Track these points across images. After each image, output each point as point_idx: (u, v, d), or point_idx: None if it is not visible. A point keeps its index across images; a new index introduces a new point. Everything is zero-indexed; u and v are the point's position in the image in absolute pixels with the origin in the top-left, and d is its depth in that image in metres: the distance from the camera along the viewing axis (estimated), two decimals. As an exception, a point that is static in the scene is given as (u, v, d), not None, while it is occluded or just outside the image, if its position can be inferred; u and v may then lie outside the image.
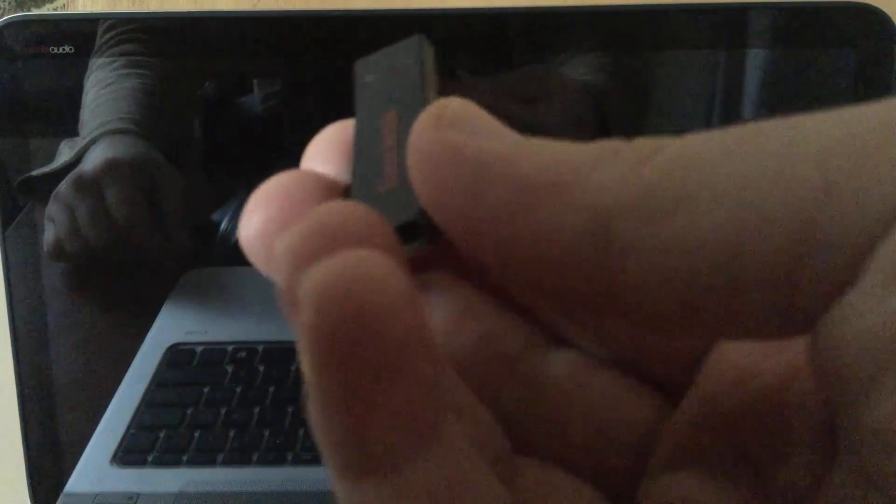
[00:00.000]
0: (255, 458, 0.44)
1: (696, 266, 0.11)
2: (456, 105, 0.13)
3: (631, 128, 0.45)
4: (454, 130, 0.12)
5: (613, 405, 0.14)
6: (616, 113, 0.44)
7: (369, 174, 0.14)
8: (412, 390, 0.10)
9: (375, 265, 0.10)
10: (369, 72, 0.16)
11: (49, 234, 0.43)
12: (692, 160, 0.11)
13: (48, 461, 0.45)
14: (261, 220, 0.13)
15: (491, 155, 0.12)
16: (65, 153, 0.43)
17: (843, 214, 0.10)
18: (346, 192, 0.14)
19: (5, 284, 0.43)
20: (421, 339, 0.10)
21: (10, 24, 0.40)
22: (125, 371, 0.46)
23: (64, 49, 0.41)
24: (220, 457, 0.44)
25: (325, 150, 0.15)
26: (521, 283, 0.13)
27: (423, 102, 0.14)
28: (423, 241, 0.13)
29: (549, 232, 0.11)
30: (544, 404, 0.14)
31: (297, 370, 0.45)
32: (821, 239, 0.10)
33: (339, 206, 0.12)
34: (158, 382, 0.46)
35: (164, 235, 0.45)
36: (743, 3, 0.41)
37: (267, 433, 0.44)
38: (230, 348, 0.46)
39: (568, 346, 0.14)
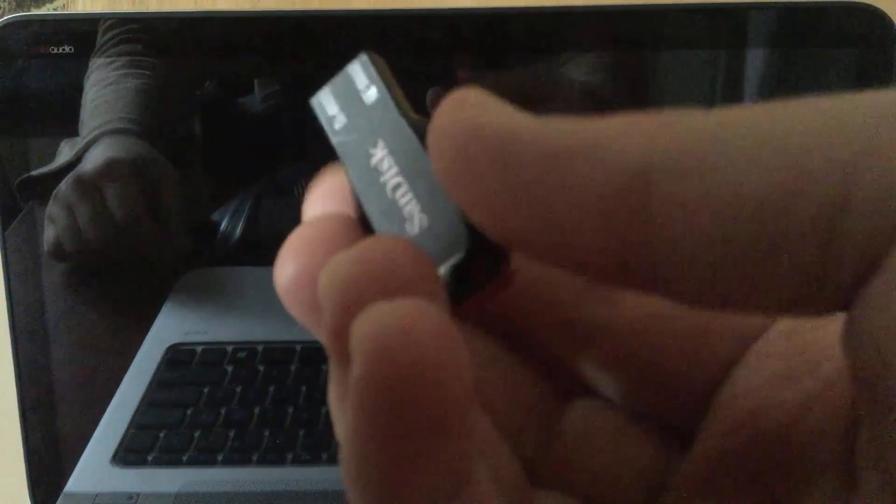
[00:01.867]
0: (255, 458, 0.44)
1: (734, 222, 0.10)
2: (475, 92, 0.13)
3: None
4: (477, 111, 0.12)
5: (623, 446, 0.14)
6: (616, 113, 0.44)
7: (390, 217, 0.13)
8: (456, 443, 0.10)
9: (430, 318, 0.10)
10: (330, 105, 0.15)
11: (49, 234, 0.43)
12: (728, 121, 0.11)
13: (48, 461, 0.45)
14: (298, 267, 0.13)
15: (517, 127, 0.12)
16: (65, 153, 0.43)
17: (883, 179, 0.10)
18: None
19: (5, 284, 0.43)
20: (469, 394, 0.10)
21: (10, 24, 0.40)
22: (125, 371, 0.46)
23: (64, 49, 0.41)
24: (220, 457, 0.44)
25: (328, 197, 0.14)
26: (554, 260, 0.12)
27: (405, 125, 0.14)
28: (486, 273, 0.13)
29: (585, 194, 0.11)
30: (560, 446, 0.14)
31: (298, 370, 0.45)
32: (859, 202, 0.10)
33: (383, 242, 0.12)
34: (158, 382, 0.46)
35: (164, 235, 0.45)
36: (743, 3, 0.41)
37: (267, 433, 0.44)
38: (230, 348, 0.46)
39: (581, 397, 0.15)
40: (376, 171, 0.14)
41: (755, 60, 0.42)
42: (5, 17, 0.41)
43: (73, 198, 0.43)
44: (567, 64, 0.43)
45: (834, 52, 0.41)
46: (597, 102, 0.43)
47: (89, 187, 0.43)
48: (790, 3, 0.41)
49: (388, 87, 0.14)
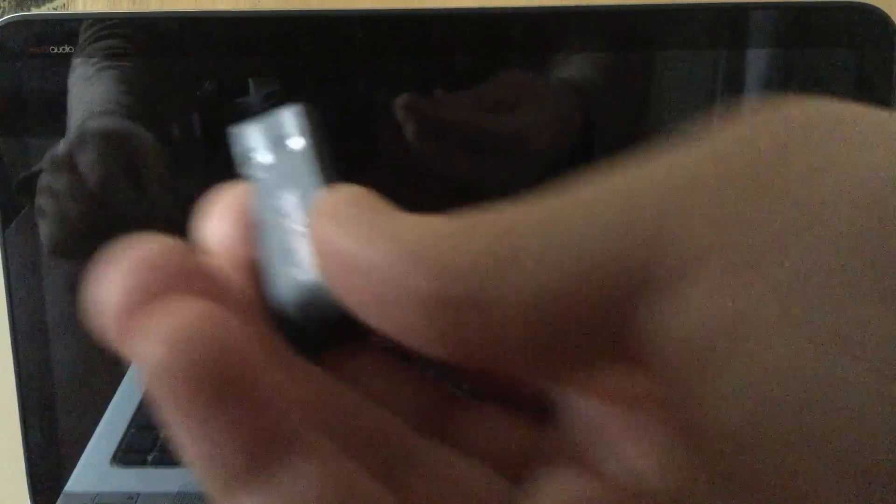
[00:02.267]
0: (254, 458, 0.44)
1: (533, 318, 0.12)
2: (342, 198, 0.14)
3: (618, 128, 0.45)
4: (331, 225, 0.14)
5: (495, 429, 0.16)
6: (603, 113, 0.44)
7: (283, 258, 0.14)
8: (257, 408, 0.12)
9: (205, 314, 0.12)
10: (254, 140, 0.16)
11: (42, 228, 0.43)
12: (511, 228, 0.12)
13: (48, 461, 0.45)
14: (123, 294, 0.13)
15: (350, 250, 0.13)
16: (63, 153, 0.43)
17: (649, 256, 0.11)
18: (252, 266, 0.15)
19: (5, 284, 0.43)
20: (254, 367, 0.12)
21: (10, 24, 0.40)
22: (125, 371, 0.46)
23: (64, 49, 0.41)
24: (219, 457, 0.44)
25: (224, 214, 0.16)
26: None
27: (318, 184, 0.15)
28: (340, 336, 0.14)
29: (397, 312, 0.13)
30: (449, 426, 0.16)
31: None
32: (637, 280, 0.11)
33: (154, 248, 0.13)
34: (158, 382, 0.45)
35: (161, 231, 0.44)
36: (743, 3, 0.41)
37: (267, 433, 0.44)
38: (230, 348, 0.46)
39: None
40: (283, 214, 0.15)
41: (755, 60, 0.42)
42: (5, 17, 0.41)
43: (51, 179, 0.42)
44: (560, 65, 0.43)
45: (834, 52, 0.41)
46: (582, 103, 0.43)
47: (62, 163, 0.42)
48: (790, 3, 0.41)
49: (315, 141, 0.15)
